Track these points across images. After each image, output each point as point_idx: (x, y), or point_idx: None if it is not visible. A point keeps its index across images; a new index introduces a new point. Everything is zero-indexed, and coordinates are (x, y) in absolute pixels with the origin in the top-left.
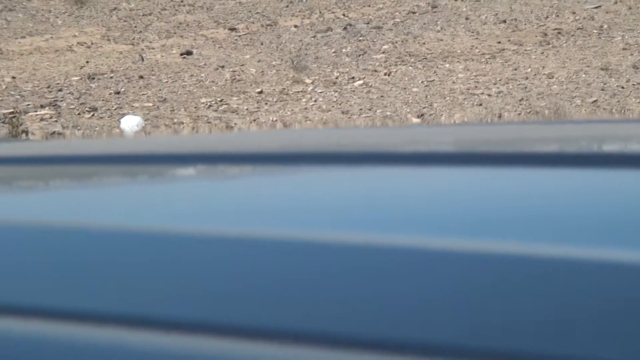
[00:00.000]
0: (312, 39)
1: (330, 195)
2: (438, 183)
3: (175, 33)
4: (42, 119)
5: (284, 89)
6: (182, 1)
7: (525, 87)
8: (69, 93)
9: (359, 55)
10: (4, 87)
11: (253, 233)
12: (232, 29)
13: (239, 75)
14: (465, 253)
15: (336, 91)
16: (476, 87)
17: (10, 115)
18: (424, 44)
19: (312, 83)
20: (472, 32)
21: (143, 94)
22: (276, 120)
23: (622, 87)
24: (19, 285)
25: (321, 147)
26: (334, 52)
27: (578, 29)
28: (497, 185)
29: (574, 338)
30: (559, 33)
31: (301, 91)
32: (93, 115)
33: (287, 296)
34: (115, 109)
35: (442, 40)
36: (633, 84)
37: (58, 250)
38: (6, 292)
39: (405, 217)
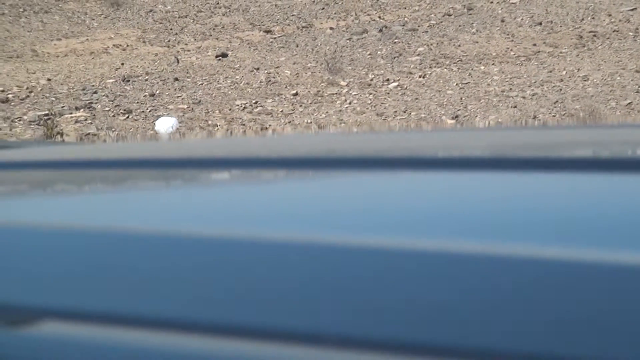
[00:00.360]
0: (348, 41)
1: (361, 199)
2: (467, 187)
3: (210, 35)
4: (76, 121)
5: (319, 91)
6: (217, 3)
7: (560, 90)
8: (104, 95)
9: (394, 58)
10: (39, 89)
11: (283, 237)
12: (268, 31)
13: (273, 78)
14: (495, 257)
15: (371, 93)
16: (511, 89)
17: (45, 117)
18: (459, 46)
19: (346, 85)
20: (508, 35)
21: (178, 96)
22: (311, 123)
23: None
24: (69, 287)
25: (353, 152)
26: (369, 54)
27: (613, 31)
28: (528, 189)
29: (579, 339)
30: (595, 35)
31: (336, 93)
32: (128, 117)
33: (314, 298)
34: (149, 111)
35: (477, 42)
36: None
37: (92, 253)
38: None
39: (434, 221)
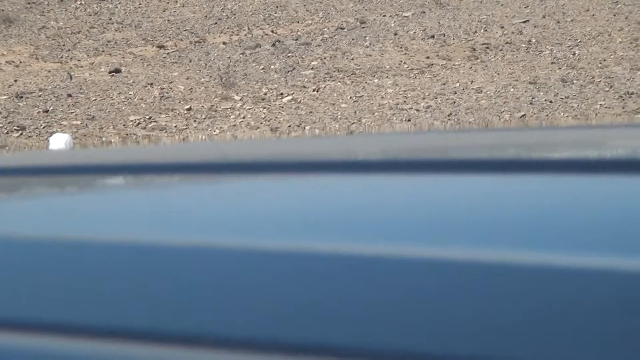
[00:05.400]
0: (241, 55)
1: (253, 204)
2: (366, 190)
3: (103, 51)
4: None
5: (213, 105)
6: (110, 19)
7: (454, 102)
8: None
9: (288, 72)
10: None
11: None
12: (161, 47)
13: (167, 93)
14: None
15: (265, 107)
16: (405, 102)
17: None
18: (352, 59)
19: (240, 100)
20: (401, 48)
21: (72, 112)
22: (205, 138)
23: (551, 101)
24: None
25: (249, 157)
26: (263, 68)
27: (506, 43)
28: (423, 191)
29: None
30: (488, 48)
31: (230, 108)
32: (21, 134)
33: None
34: (43, 128)
35: (370, 55)
36: (561, 98)
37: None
38: None
39: (327, 223)
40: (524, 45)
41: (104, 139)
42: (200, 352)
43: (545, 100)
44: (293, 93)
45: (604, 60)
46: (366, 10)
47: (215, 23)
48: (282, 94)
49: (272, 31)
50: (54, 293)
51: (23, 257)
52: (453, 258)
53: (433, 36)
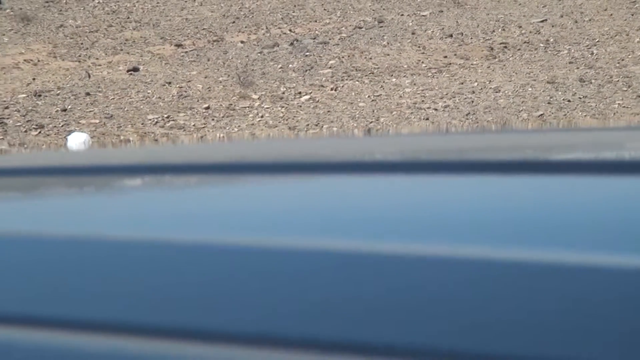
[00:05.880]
0: (259, 54)
1: (277, 203)
2: (384, 190)
3: (121, 50)
4: None
5: (231, 104)
6: (128, 18)
7: (472, 101)
8: (16, 110)
9: (306, 71)
10: None
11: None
12: (179, 45)
13: (185, 92)
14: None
15: (283, 106)
16: (423, 101)
17: None
18: (370, 58)
19: (258, 98)
20: (419, 47)
21: (90, 111)
22: (223, 137)
23: (569, 101)
24: None
25: (269, 158)
26: (281, 67)
27: (524, 42)
28: (442, 191)
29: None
30: (505, 47)
31: (248, 107)
32: (40, 132)
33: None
34: (62, 126)
35: (388, 55)
36: (579, 97)
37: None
38: None
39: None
40: (541, 45)
41: (122, 137)
42: (226, 350)
43: (564, 99)
44: (311, 92)
45: (622, 59)
46: (384, 9)
47: (233, 22)
48: (300, 92)
49: (290, 30)
50: (76, 290)
51: (41, 255)
52: (469, 256)
53: (451, 35)
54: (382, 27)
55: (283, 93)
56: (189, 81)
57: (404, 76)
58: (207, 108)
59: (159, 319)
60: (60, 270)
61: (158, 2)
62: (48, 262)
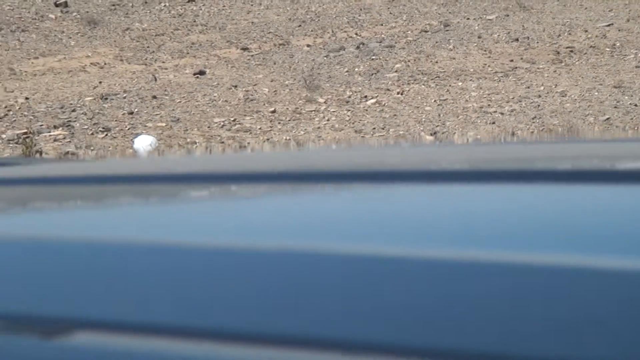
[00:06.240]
0: (325, 58)
1: (344, 211)
2: (448, 199)
3: (188, 53)
4: (55, 140)
5: (297, 108)
6: (194, 21)
7: (538, 105)
8: (82, 113)
9: (372, 74)
10: (17, 107)
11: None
12: (245, 49)
13: (252, 95)
14: (480, 263)
15: (349, 110)
16: (489, 105)
17: (24, 136)
18: (436, 62)
19: (325, 102)
20: (485, 51)
21: (156, 114)
22: (289, 140)
23: (636, 105)
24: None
25: (336, 166)
26: (347, 71)
27: (590, 47)
28: (509, 200)
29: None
30: (572, 51)
31: (314, 110)
32: (106, 135)
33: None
34: (128, 129)
35: (454, 58)
36: None
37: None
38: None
39: (417, 231)
40: (608, 49)
41: (188, 140)
42: (295, 353)
43: (630, 104)
44: (377, 96)
45: None
46: (450, 13)
47: (299, 25)
48: (366, 96)
49: (356, 34)
50: (156, 297)
51: (110, 261)
52: (534, 262)
53: (517, 39)
54: (448, 30)
55: (349, 97)
56: (255, 84)
57: (470, 80)
58: (274, 111)
59: (251, 326)
60: (136, 277)
61: (224, 6)
62: (123, 269)
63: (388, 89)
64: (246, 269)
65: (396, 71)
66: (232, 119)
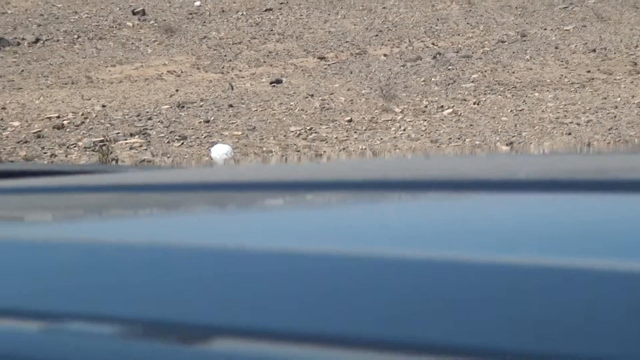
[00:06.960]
0: (402, 67)
1: (422, 219)
2: (523, 208)
3: (264, 62)
4: (131, 147)
5: (373, 117)
6: (271, 30)
7: (615, 116)
8: (159, 121)
9: (448, 84)
10: (94, 115)
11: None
12: (322, 58)
13: (328, 104)
14: (560, 269)
15: (425, 120)
16: (565, 116)
17: (101, 144)
18: (513, 73)
19: (401, 112)
20: (562, 61)
21: (232, 123)
22: (365, 149)
23: None
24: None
25: (411, 175)
26: (423, 80)
27: None
28: (581, 210)
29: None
30: None
31: (390, 120)
32: (182, 143)
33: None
34: (204, 138)
35: (531, 69)
36: None
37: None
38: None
39: (491, 238)
40: None
41: (264, 149)
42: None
43: None
44: (453, 106)
45: None
46: (527, 23)
47: (376, 35)
48: (442, 106)
49: (433, 44)
50: (226, 300)
51: (190, 265)
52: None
53: (594, 50)
54: (525, 41)
55: (425, 106)
56: (332, 94)
57: (547, 91)
58: (350, 121)
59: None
60: (207, 280)
61: (301, 15)
62: (190, 271)
63: (464, 99)
64: (319, 273)
65: (473, 81)
66: (308, 127)
